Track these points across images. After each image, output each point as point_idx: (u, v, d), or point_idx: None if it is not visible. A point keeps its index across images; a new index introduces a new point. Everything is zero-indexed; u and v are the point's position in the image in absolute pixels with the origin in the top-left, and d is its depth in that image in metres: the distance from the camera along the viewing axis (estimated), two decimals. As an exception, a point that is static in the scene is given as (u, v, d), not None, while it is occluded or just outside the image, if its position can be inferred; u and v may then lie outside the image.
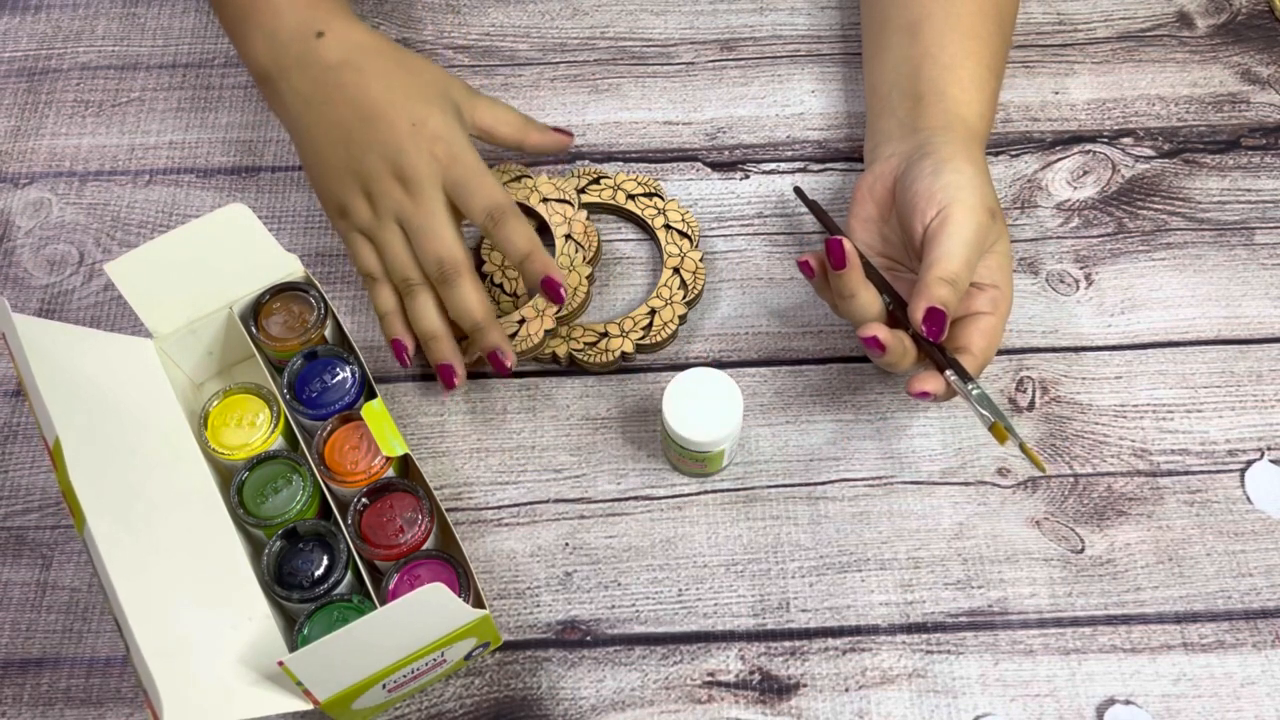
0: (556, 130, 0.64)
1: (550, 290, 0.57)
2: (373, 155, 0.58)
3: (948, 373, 0.53)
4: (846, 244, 0.52)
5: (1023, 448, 0.52)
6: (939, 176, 0.54)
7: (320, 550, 0.52)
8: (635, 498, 0.59)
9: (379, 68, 0.59)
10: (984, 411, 0.52)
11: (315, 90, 0.59)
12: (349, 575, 0.52)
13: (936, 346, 0.53)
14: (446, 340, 0.59)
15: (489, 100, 0.62)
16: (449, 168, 0.58)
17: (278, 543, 0.52)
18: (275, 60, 0.59)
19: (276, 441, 0.55)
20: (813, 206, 0.63)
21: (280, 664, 0.44)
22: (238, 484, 0.54)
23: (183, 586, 0.49)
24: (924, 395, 0.52)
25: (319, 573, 0.52)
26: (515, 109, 0.63)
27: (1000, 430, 0.51)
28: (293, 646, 0.50)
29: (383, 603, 0.51)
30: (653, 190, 0.66)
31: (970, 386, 0.52)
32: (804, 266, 0.55)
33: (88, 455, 0.50)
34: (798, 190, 0.64)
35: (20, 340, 0.49)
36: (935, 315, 0.51)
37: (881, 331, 0.52)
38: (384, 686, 0.50)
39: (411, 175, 0.57)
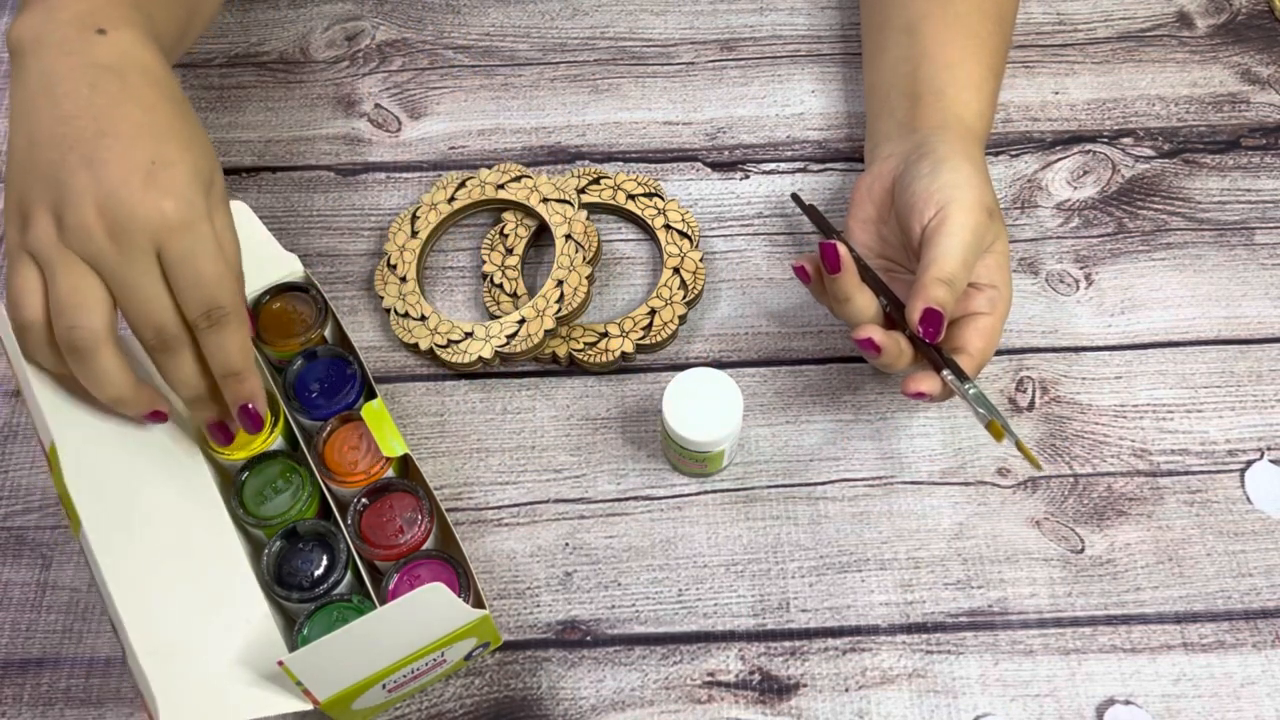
0: (245, 397, 0.51)
1: (247, 419, 0.51)
2: (85, 175, 0.45)
3: (944, 372, 0.53)
4: (840, 247, 0.52)
5: (1019, 446, 0.52)
6: (936, 176, 0.54)
7: (320, 550, 0.52)
8: (635, 498, 0.59)
9: (147, 94, 0.48)
10: (980, 410, 0.52)
11: (63, 79, 0.47)
12: (349, 575, 0.52)
13: (933, 347, 0.53)
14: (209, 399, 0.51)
15: (229, 217, 0.50)
16: (174, 234, 0.46)
17: (277, 543, 0.52)
18: (39, 35, 0.48)
19: (276, 441, 0.55)
20: (809, 211, 0.63)
21: (280, 664, 0.44)
22: (238, 484, 0.54)
23: (182, 587, 0.49)
24: (920, 395, 0.52)
25: (319, 573, 0.52)
26: (236, 257, 0.50)
27: (997, 428, 0.51)
28: (292, 646, 0.50)
29: (383, 603, 0.51)
30: (653, 190, 0.66)
31: (967, 385, 0.52)
32: (799, 271, 0.55)
33: (85, 457, 0.50)
34: (795, 197, 0.65)
35: (17, 344, 0.49)
36: (932, 316, 0.51)
37: (876, 333, 0.52)
38: (384, 686, 0.50)
39: (124, 223, 0.45)
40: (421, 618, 0.47)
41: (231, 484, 0.54)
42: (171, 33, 0.54)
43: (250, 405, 0.51)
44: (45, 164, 0.46)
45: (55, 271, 0.46)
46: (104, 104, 0.46)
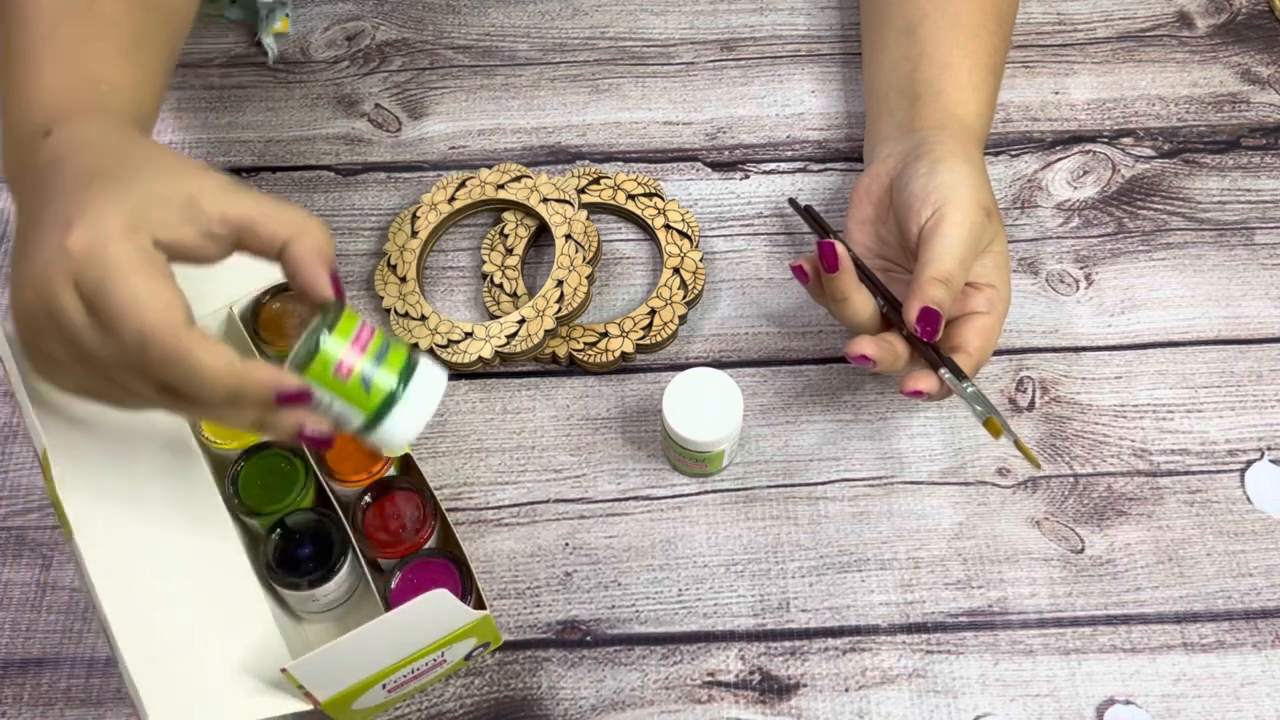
0: (335, 282, 0.43)
1: (291, 400, 0.42)
2: (26, 276, 0.41)
3: (941, 370, 0.53)
4: (838, 246, 0.52)
5: (1018, 444, 0.52)
6: (934, 176, 0.54)
7: (319, 536, 0.52)
8: (635, 498, 0.59)
9: (79, 164, 0.43)
10: (978, 408, 0.52)
11: (22, 198, 0.44)
12: (348, 562, 0.52)
13: (931, 346, 0.53)
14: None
15: (254, 194, 0.43)
16: (83, 269, 0.40)
17: (276, 533, 0.52)
18: (10, 167, 0.46)
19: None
20: (807, 213, 0.63)
21: (283, 670, 0.44)
22: (232, 475, 0.54)
23: (180, 589, 0.49)
24: (917, 394, 0.52)
25: (320, 558, 0.52)
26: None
27: (994, 425, 0.51)
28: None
29: (385, 602, 0.51)
30: (653, 190, 0.66)
31: (964, 384, 0.52)
32: (798, 271, 0.55)
33: (79, 462, 0.49)
34: (791, 202, 0.65)
35: (8, 349, 0.49)
36: (929, 315, 0.51)
37: (868, 347, 0.52)
38: (384, 687, 0.50)
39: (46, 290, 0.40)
40: (425, 621, 0.47)
41: (227, 475, 0.54)
42: (162, 59, 0.52)
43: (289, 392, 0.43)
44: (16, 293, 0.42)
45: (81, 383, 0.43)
46: (32, 202, 0.43)
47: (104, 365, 0.41)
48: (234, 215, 0.42)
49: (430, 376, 0.45)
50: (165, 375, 0.40)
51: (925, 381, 0.52)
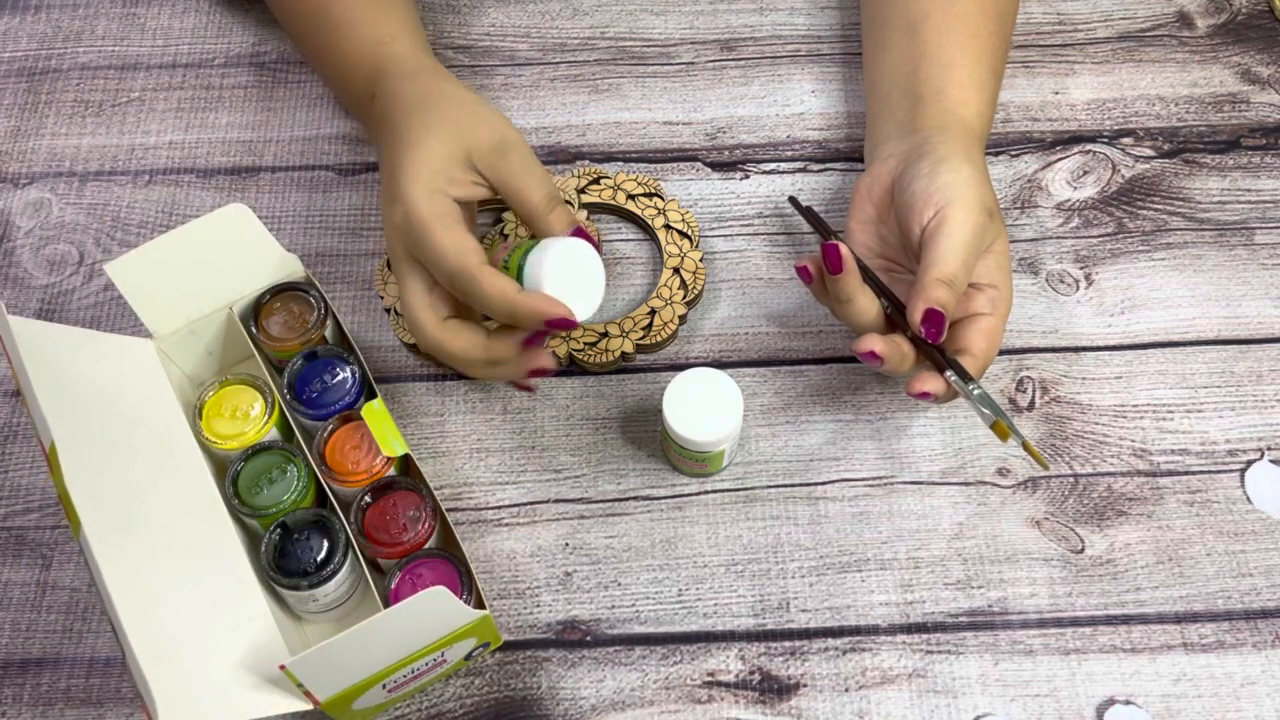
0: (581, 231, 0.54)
1: (556, 325, 0.51)
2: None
3: (947, 373, 0.53)
4: (843, 248, 0.52)
5: (1025, 445, 0.52)
6: (936, 177, 0.54)
7: (319, 536, 0.52)
8: (635, 498, 0.59)
9: (406, 126, 0.54)
10: (985, 410, 0.52)
11: (378, 144, 0.58)
12: (347, 561, 0.52)
13: (936, 347, 0.53)
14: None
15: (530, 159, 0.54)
16: (406, 232, 0.51)
17: (276, 533, 0.52)
18: (365, 123, 0.61)
19: (270, 432, 0.55)
20: (807, 213, 0.63)
21: (282, 668, 0.44)
22: (232, 475, 0.54)
23: (180, 588, 0.49)
24: (924, 396, 0.52)
25: (320, 558, 0.52)
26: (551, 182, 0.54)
27: (1002, 428, 0.51)
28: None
29: (385, 602, 0.51)
30: (653, 190, 0.66)
31: (971, 386, 0.52)
32: (802, 272, 0.55)
33: (84, 458, 0.50)
34: (792, 200, 0.65)
35: (16, 343, 0.49)
36: (933, 317, 0.51)
37: (877, 344, 0.52)
38: (384, 687, 0.50)
39: (390, 257, 0.53)
40: (423, 620, 0.47)
41: (226, 475, 0.54)
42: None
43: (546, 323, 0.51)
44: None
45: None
46: (381, 163, 0.56)
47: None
48: (493, 180, 0.53)
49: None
50: (467, 297, 0.51)
51: (932, 383, 0.52)
